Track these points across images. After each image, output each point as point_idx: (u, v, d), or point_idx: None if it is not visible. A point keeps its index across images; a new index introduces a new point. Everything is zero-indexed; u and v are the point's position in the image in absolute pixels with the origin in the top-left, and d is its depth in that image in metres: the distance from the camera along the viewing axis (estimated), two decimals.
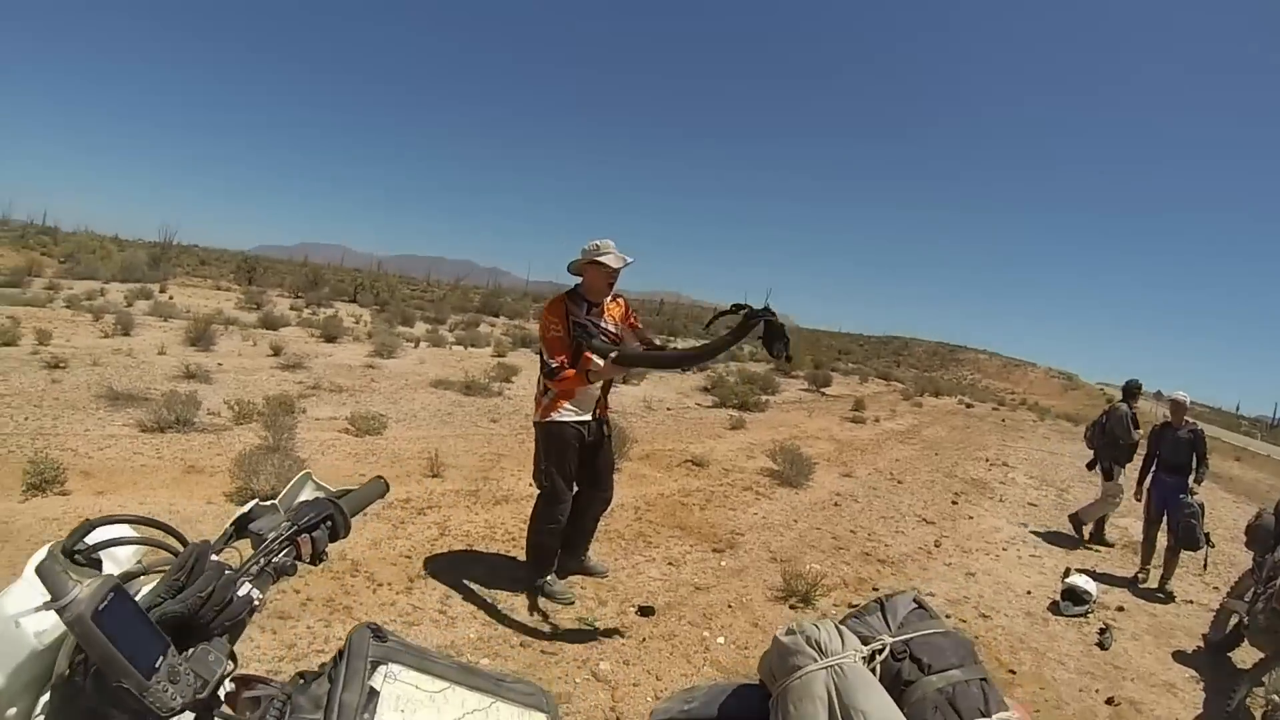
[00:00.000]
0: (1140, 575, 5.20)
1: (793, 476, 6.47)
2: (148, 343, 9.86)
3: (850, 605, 3.82)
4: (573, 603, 3.42)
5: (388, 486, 1.15)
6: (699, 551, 4.38)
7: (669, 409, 10.48)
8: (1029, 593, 4.56)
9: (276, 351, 10.32)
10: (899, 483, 7.51)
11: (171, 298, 17.10)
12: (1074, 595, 4.24)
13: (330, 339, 13.06)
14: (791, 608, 3.68)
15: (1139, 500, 5.44)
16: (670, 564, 4.10)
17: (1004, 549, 5.56)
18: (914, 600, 1.22)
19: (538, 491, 3.50)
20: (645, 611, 3.40)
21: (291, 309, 18.25)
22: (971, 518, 6.45)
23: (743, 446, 8.10)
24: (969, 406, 19.65)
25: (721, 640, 3.26)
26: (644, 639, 3.16)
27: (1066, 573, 4.66)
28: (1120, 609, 4.50)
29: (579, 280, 3.33)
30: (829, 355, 34.04)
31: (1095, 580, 4.52)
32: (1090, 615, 4.25)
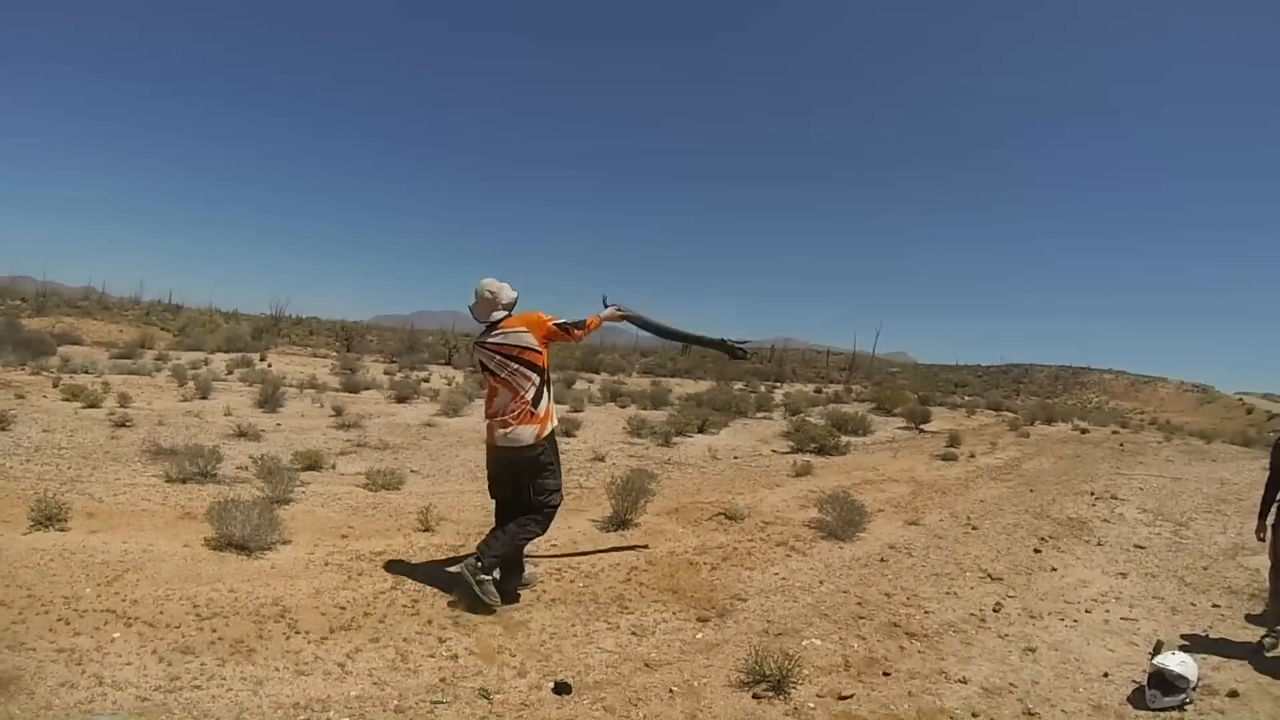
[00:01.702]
0: (1268, 640, 4.03)
1: (839, 528, 5.87)
2: (218, 405, 10.84)
3: (841, 696, 3.36)
4: (530, 585, 4.07)
5: None
6: (679, 619, 3.98)
7: (736, 458, 10.02)
8: (1106, 675, 3.68)
9: (338, 412, 11.02)
10: (973, 529, 6.61)
11: (270, 365, 18.88)
12: (1163, 682, 3.42)
13: (402, 399, 13.78)
14: (755, 697, 3.18)
15: (1261, 540, 4.39)
16: (634, 634, 3.73)
17: (1088, 610, 4.63)
18: None
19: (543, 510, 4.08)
20: (561, 689, 3.09)
21: (384, 373, 19.57)
22: (1055, 569, 5.51)
23: (798, 495, 7.50)
24: (1084, 432, 17.46)
25: None
26: None
27: (1156, 647, 3.69)
28: (1233, 694, 3.51)
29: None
30: (944, 389, 32.20)
31: (1199, 654, 3.62)
32: (1188, 708, 3.34)
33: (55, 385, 11.07)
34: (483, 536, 4.19)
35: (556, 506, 4.14)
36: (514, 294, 4.09)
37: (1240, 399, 42.44)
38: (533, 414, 3.96)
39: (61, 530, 4.51)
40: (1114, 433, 18.29)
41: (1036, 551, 6.01)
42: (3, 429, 7.52)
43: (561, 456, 4.35)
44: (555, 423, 4.20)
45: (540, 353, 4.01)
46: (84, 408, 9.45)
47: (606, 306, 4.46)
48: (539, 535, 4.17)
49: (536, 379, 3.99)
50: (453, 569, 4.20)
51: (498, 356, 4.00)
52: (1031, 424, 18.72)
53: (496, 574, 3.90)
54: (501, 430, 3.97)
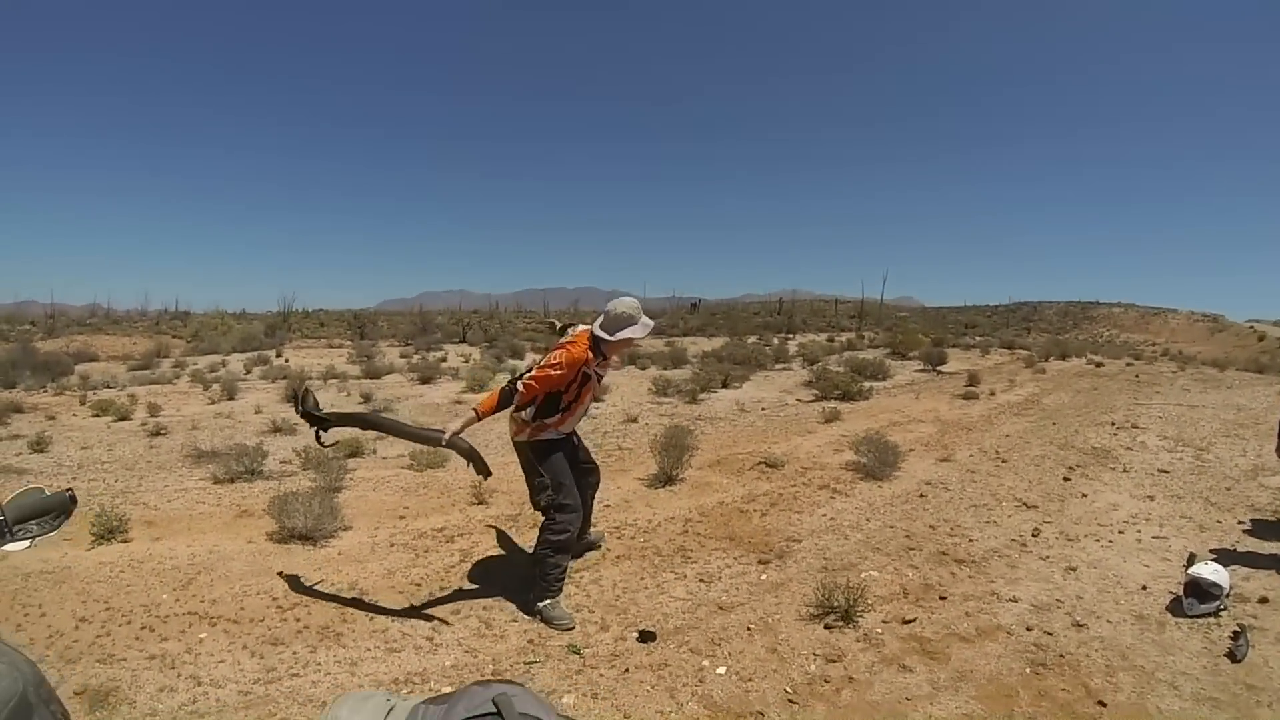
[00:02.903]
0: None
1: (876, 469, 6.06)
2: (247, 405, 11.03)
3: (905, 620, 3.53)
4: (572, 628, 3.40)
5: (72, 500, 1.31)
6: (741, 564, 4.17)
7: (764, 409, 10.23)
8: (1144, 588, 3.87)
9: (366, 399, 11.20)
10: (1003, 462, 6.79)
11: (287, 361, 19.10)
12: (1199, 590, 3.62)
13: (426, 380, 14.02)
14: (827, 628, 3.37)
15: None
16: (701, 581, 3.93)
17: (1120, 532, 4.83)
18: None
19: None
20: (646, 637, 3.27)
21: (401, 357, 19.77)
22: (1085, 495, 5.69)
23: (831, 440, 7.71)
24: (1098, 366, 17.63)
25: (722, 670, 3.03)
26: (629, 669, 3.03)
27: (1190, 560, 3.92)
28: (1264, 600, 3.70)
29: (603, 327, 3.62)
30: (955, 330, 32.43)
31: (1229, 566, 3.77)
32: (1223, 614, 3.53)
33: (82, 403, 11.29)
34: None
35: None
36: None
37: (1251, 326, 42.66)
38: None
39: (124, 541, 4.63)
40: (1128, 365, 18.41)
41: (1066, 480, 6.18)
42: (42, 451, 7.72)
43: (595, 421, 4.35)
44: None
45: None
46: (115, 421, 9.65)
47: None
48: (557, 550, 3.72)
49: None
50: (511, 533, 4.38)
51: (605, 375, 3.96)
52: (1046, 360, 18.90)
53: (558, 599, 3.67)
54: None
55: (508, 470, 6.44)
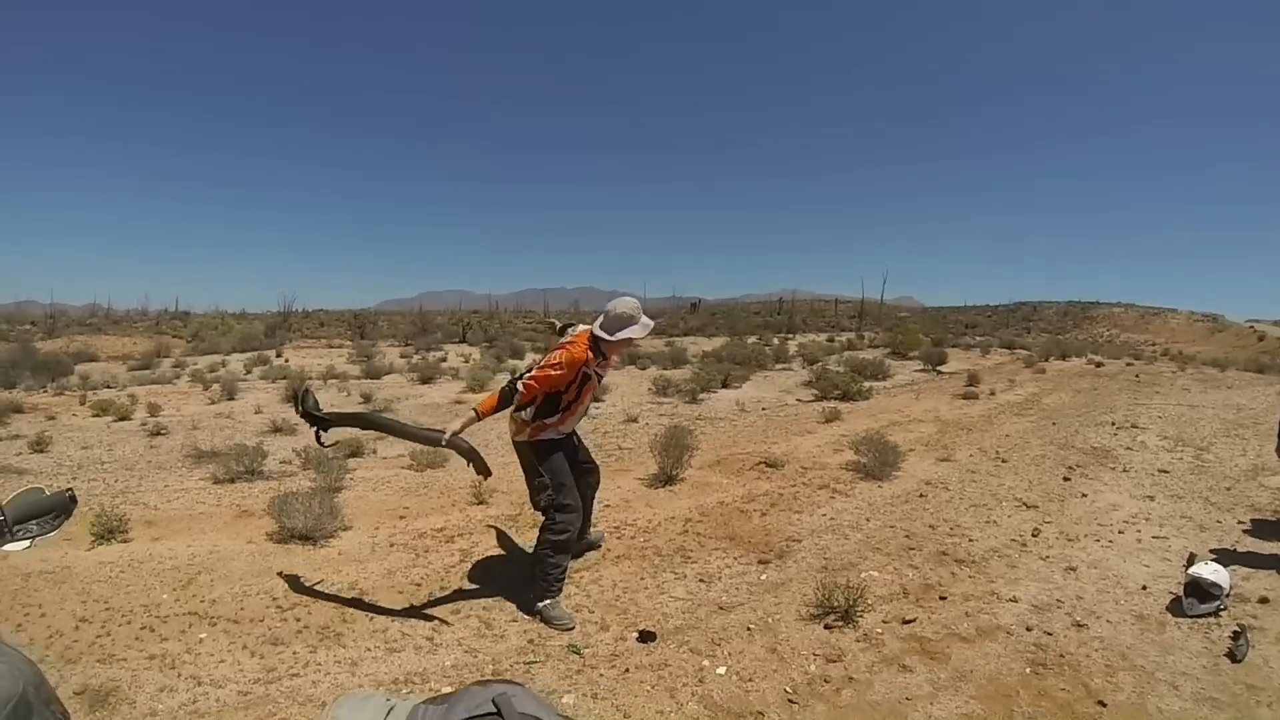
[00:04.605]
0: None
1: (876, 469, 6.09)
2: (247, 405, 11.07)
3: (905, 620, 3.55)
4: (572, 628, 3.42)
5: (72, 500, 1.34)
6: (741, 564, 4.20)
7: (764, 409, 10.28)
8: (1144, 588, 3.89)
9: (367, 399, 11.23)
10: (1003, 462, 6.83)
11: (287, 361, 19.13)
12: (1199, 590, 3.63)
13: (426, 380, 14.05)
14: (827, 628, 3.39)
15: None
16: (701, 581, 3.95)
17: (1120, 531, 4.85)
18: None
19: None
20: (646, 637, 3.28)
21: (401, 357, 19.81)
22: (1085, 495, 5.72)
23: (831, 440, 7.74)
24: (1098, 366, 17.76)
25: (722, 670, 3.05)
26: (629, 669, 3.04)
27: (1190, 559, 3.94)
28: (1264, 600, 3.71)
29: (603, 327, 3.64)
30: (955, 331, 32.57)
31: (1229, 566, 3.79)
32: (1223, 614, 3.55)
33: (82, 403, 11.32)
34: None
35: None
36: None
37: (1251, 326, 43.42)
38: None
39: (124, 541, 4.65)
40: (1128, 365, 18.54)
41: (1066, 480, 6.21)
42: (43, 451, 7.75)
43: (595, 421, 4.40)
44: None
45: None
46: (115, 421, 9.69)
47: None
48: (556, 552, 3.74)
49: None
50: (511, 533, 4.44)
51: (605, 374, 4.01)
52: (1046, 360, 19.05)
53: (558, 599, 3.68)
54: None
55: (508, 470, 6.45)
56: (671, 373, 14.41)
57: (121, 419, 9.69)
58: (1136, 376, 15.03)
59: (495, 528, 4.87)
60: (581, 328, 3.77)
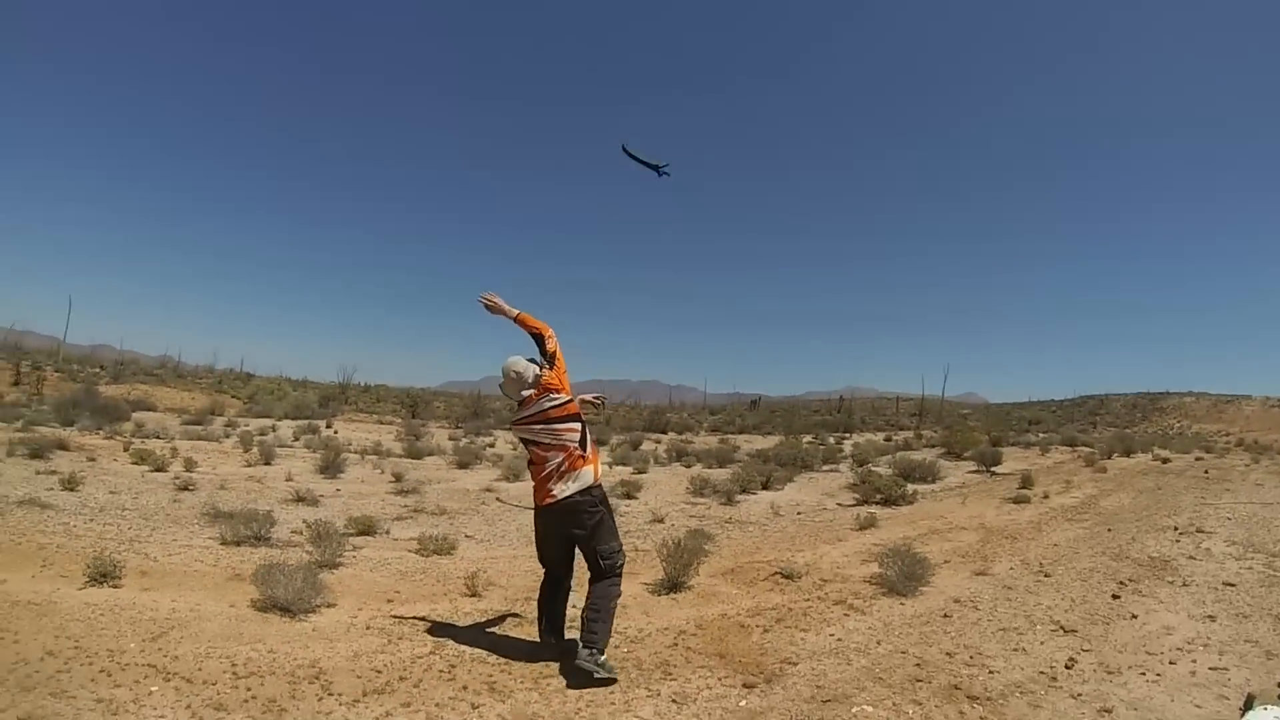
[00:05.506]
0: None
1: (900, 583, 5.59)
2: (280, 471, 11.28)
3: None
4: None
5: None
6: (724, 686, 3.79)
7: (799, 513, 9.78)
8: None
9: (397, 478, 11.30)
10: (1045, 576, 6.15)
11: (336, 432, 19.59)
12: None
13: (463, 465, 14.03)
14: None
15: None
16: (674, 701, 3.57)
17: (1172, 662, 4.19)
18: None
19: (614, 572, 4.05)
20: None
21: (449, 439, 19.96)
22: (1135, 616, 5.04)
23: (861, 550, 7.21)
24: (1164, 462, 16.29)
25: None
26: None
27: (1247, 702, 3.23)
28: None
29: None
30: (1018, 428, 30.85)
31: None
32: None
33: (126, 449, 11.75)
34: (529, 602, 4.35)
35: (624, 563, 4.20)
36: (537, 370, 4.17)
37: None
38: (583, 458, 4.08)
39: (115, 587, 4.78)
40: (1197, 459, 17.24)
41: (1115, 597, 5.56)
42: (72, 490, 8.00)
43: (619, 519, 4.38)
44: (602, 465, 4.33)
45: (572, 400, 4.16)
46: (151, 471, 9.98)
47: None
48: (620, 594, 4.16)
49: (578, 425, 4.12)
50: (493, 630, 4.24)
51: (539, 426, 4.10)
52: (1109, 457, 17.87)
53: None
54: (560, 486, 4.02)
55: (513, 564, 6.28)
56: (712, 472, 14.02)
57: (157, 469, 9.97)
58: (1205, 472, 13.87)
59: (479, 624, 4.65)
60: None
